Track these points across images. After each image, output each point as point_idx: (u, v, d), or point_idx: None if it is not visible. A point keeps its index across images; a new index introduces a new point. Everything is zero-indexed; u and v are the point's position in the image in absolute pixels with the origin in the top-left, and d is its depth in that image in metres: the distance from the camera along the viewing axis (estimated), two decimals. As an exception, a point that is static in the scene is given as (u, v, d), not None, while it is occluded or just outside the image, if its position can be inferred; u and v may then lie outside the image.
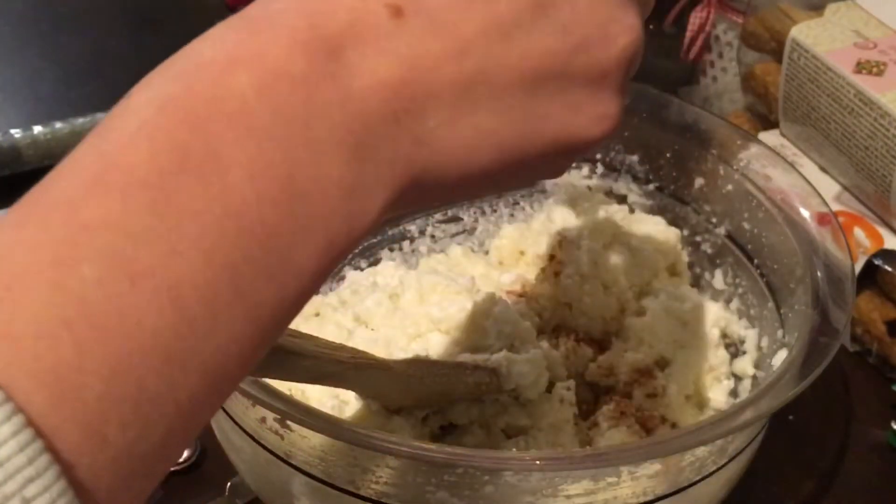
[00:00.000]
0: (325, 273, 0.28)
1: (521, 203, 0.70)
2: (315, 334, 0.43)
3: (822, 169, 0.71)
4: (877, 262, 0.64)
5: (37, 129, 0.74)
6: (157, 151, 0.25)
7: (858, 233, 0.66)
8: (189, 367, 0.25)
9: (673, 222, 0.65)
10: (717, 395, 0.58)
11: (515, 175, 0.33)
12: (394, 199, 0.29)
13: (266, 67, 0.27)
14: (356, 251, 0.67)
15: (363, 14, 0.28)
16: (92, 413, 0.23)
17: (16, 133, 0.73)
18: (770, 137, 0.72)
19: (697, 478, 0.47)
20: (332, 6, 0.28)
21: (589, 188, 0.68)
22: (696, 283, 0.65)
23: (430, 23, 0.29)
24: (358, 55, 0.28)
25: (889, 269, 0.64)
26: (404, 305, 0.57)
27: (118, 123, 0.27)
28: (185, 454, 0.58)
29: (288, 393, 0.45)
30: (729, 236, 0.63)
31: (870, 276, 0.64)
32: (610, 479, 0.45)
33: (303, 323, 0.58)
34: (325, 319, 0.59)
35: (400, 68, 0.28)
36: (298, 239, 0.27)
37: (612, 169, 0.67)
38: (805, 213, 0.56)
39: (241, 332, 0.26)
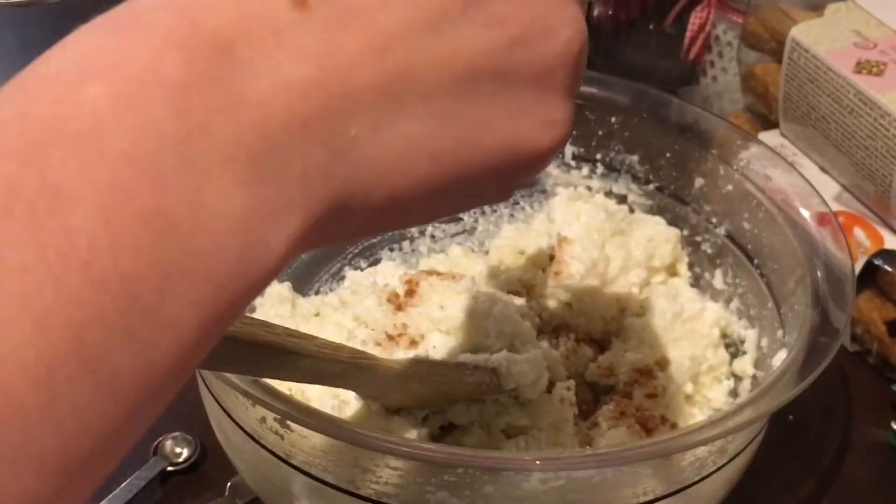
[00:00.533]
0: (217, 324, 0.23)
1: (521, 203, 0.70)
2: (315, 334, 0.43)
3: (822, 169, 0.71)
4: (877, 262, 0.64)
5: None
6: None
7: (858, 233, 0.66)
8: (18, 467, 0.20)
9: (673, 222, 0.65)
10: (717, 395, 0.58)
11: (455, 194, 0.28)
12: (309, 226, 0.24)
13: (128, 74, 0.22)
14: (356, 251, 0.67)
15: (258, 6, 0.23)
16: None
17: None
18: (770, 137, 0.72)
19: (697, 478, 0.47)
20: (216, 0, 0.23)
21: (589, 188, 0.68)
22: (696, 283, 0.65)
23: (341, 14, 0.24)
24: (253, 53, 0.23)
25: (889, 269, 0.64)
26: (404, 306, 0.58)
27: None
28: (185, 454, 0.58)
29: (288, 393, 0.45)
30: (729, 236, 0.63)
31: (870, 276, 0.64)
32: (610, 479, 0.45)
33: (303, 323, 0.58)
34: (325, 319, 0.59)
35: (308, 66, 0.23)
36: (170, 288, 0.21)
37: (612, 169, 0.67)
38: (805, 213, 0.56)
39: (97, 413, 0.21)
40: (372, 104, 0.25)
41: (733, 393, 0.59)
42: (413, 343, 0.55)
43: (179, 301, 0.22)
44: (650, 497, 0.46)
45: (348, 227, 0.26)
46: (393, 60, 0.25)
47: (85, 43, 0.22)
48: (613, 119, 0.66)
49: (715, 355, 0.59)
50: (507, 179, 0.30)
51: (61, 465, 0.21)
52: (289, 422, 0.44)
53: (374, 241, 0.68)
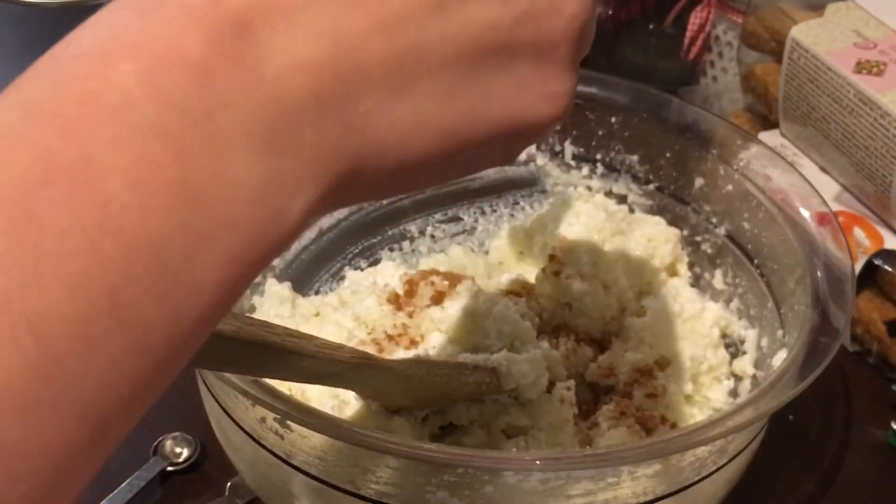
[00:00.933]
0: (237, 285, 0.25)
1: (521, 203, 0.70)
2: (315, 334, 0.43)
3: (822, 169, 0.71)
4: (877, 262, 0.64)
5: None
6: (17, 165, 0.22)
7: (858, 233, 0.66)
8: (61, 411, 0.21)
9: (673, 222, 0.65)
10: (717, 395, 0.58)
11: (461, 161, 0.30)
12: (323, 195, 0.26)
13: (155, 53, 0.23)
14: (356, 251, 0.67)
15: None
16: None
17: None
18: (770, 137, 0.72)
19: (697, 478, 0.47)
20: None
21: (589, 188, 0.68)
22: (696, 283, 0.65)
23: None
24: (270, 33, 0.24)
25: (889, 269, 0.64)
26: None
27: None
28: (185, 454, 0.58)
29: (288, 393, 0.45)
30: (729, 236, 0.63)
31: (870, 276, 0.64)
32: (610, 479, 0.45)
33: (303, 323, 0.58)
34: (325, 319, 0.59)
35: (321, 45, 0.25)
36: (196, 252, 0.23)
37: (612, 169, 0.67)
38: (805, 213, 0.56)
39: (130, 365, 0.23)
40: (382, 81, 0.26)
41: (733, 393, 0.59)
42: (413, 343, 0.55)
43: (204, 264, 0.23)
44: (650, 497, 0.46)
45: (362, 193, 0.28)
46: (402, 39, 0.26)
47: (113, 22, 0.24)
48: (613, 119, 0.66)
49: (715, 355, 0.59)
50: (511, 148, 0.31)
51: (99, 411, 0.22)
52: (289, 422, 0.44)
53: (374, 241, 0.68)
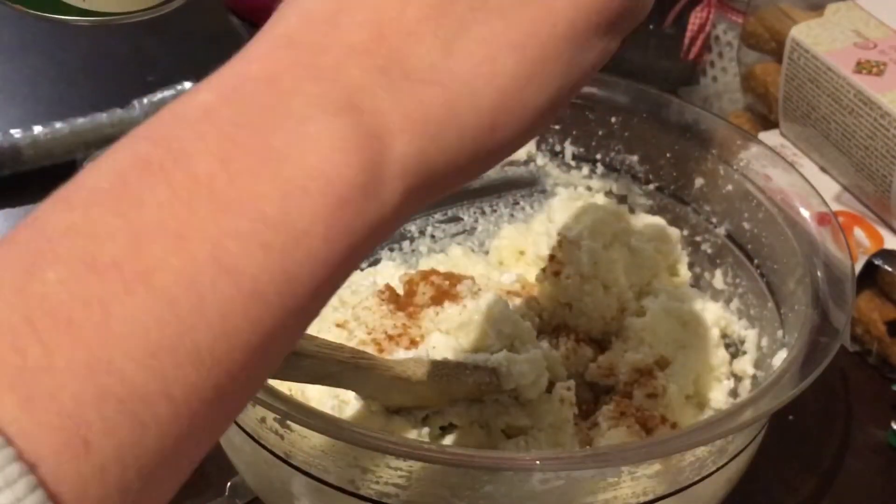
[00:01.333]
0: (349, 245, 0.26)
1: (521, 203, 0.70)
2: (315, 334, 0.43)
3: (822, 169, 0.71)
4: (877, 262, 0.64)
5: (37, 129, 0.74)
6: (119, 164, 0.25)
7: (858, 233, 0.66)
8: (180, 356, 0.23)
9: (673, 222, 0.65)
10: (717, 395, 0.58)
11: (558, 64, 0.29)
12: (416, 166, 0.27)
13: (229, 82, 0.27)
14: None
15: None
16: (69, 415, 0.21)
17: (16, 133, 0.73)
18: (770, 137, 0.72)
19: (697, 478, 0.47)
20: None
21: (589, 188, 0.68)
22: (696, 283, 0.65)
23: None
24: (322, 28, 0.27)
25: (889, 269, 0.63)
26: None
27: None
28: (185, 454, 0.58)
29: (288, 393, 0.45)
30: (729, 236, 0.63)
31: (870, 276, 0.64)
32: (610, 479, 0.45)
33: (303, 323, 0.58)
34: (324, 319, 0.58)
35: (366, 31, 0.27)
36: (293, 203, 0.25)
37: (612, 169, 0.67)
38: (805, 213, 0.56)
39: (243, 315, 0.24)
40: (432, 31, 0.27)
41: (733, 393, 0.59)
42: (413, 343, 0.55)
43: (303, 212, 0.25)
44: (650, 497, 0.46)
45: (458, 154, 0.28)
46: None
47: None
48: (613, 119, 0.66)
49: (715, 355, 0.59)
50: (602, 31, 0.30)
51: (215, 361, 0.23)
52: (289, 422, 0.44)
53: (374, 241, 0.68)
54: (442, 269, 0.61)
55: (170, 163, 0.24)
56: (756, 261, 0.61)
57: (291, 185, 0.25)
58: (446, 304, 0.56)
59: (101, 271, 0.23)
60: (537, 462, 0.43)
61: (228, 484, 0.56)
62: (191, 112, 0.26)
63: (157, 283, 0.23)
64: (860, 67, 0.65)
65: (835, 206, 0.67)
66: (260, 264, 0.24)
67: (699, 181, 0.64)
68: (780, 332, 0.56)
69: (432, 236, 0.69)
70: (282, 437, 0.45)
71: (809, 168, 0.71)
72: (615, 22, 0.31)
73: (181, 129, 0.25)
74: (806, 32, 0.69)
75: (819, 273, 0.53)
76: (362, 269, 0.66)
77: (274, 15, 0.28)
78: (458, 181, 0.29)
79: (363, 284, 0.62)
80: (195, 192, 0.24)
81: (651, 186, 0.66)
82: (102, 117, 0.75)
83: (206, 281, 0.23)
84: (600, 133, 0.66)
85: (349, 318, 0.57)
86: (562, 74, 0.30)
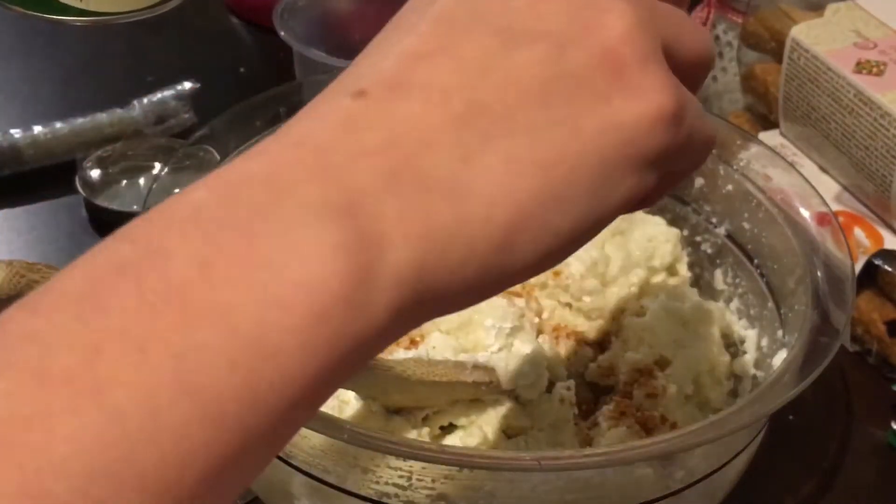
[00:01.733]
0: (329, 369, 0.24)
1: (521, 203, 0.70)
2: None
3: (822, 169, 0.71)
4: (877, 262, 0.64)
5: (37, 129, 0.74)
6: (93, 267, 0.23)
7: (858, 233, 0.66)
8: (123, 483, 0.21)
9: (673, 222, 0.65)
10: (717, 395, 0.58)
11: (582, 193, 0.28)
12: (411, 281, 0.25)
13: (224, 179, 0.25)
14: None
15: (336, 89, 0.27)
16: None
17: (16, 133, 0.73)
18: (770, 137, 0.72)
19: (697, 478, 0.47)
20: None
21: (589, 188, 0.68)
22: (696, 283, 0.64)
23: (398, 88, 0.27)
24: (331, 140, 0.26)
25: (889, 269, 0.63)
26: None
27: None
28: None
29: (288, 393, 0.45)
30: (729, 236, 0.63)
31: (870, 276, 0.64)
32: (610, 479, 0.45)
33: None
34: (325, 319, 0.58)
35: (378, 136, 0.26)
36: (268, 318, 0.23)
37: (612, 169, 0.67)
38: (805, 213, 0.56)
39: (201, 441, 0.22)
40: (451, 141, 0.26)
41: (733, 393, 0.59)
42: (413, 343, 0.55)
43: (278, 327, 0.23)
44: (650, 497, 0.46)
45: (458, 269, 0.26)
46: (456, 102, 0.26)
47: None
48: (613, 119, 0.65)
49: (715, 355, 0.59)
50: (631, 172, 0.29)
51: (163, 489, 0.21)
52: (289, 422, 0.44)
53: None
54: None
55: (146, 265, 0.23)
56: (756, 261, 0.61)
57: (269, 297, 0.23)
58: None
59: (52, 384, 0.21)
60: (537, 462, 0.43)
61: (228, 484, 0.56)
62: (180, 209, 0.24)
63: (107, 401, 0.21)
64: (860, 67, 0.65)
65: (835, 206, 0.67)
66: (225, 382, 0.22)
67: (699, 181, 0.64)
68: (780, 332, 0.56)
69: (432, 236, 0.69)
70: (282, 437, 0.45)
71: (809, 168, 0.71)
72: (653, 159, 0.29)
73: (166, 228, 0.24)
74: (806, 32, 0.69)
75: (819, 273, 0.53)
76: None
77: (293, 118, 0.27)
78: (465, 301, 0.28)
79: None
80: (166, 298, 0.22)
81: (651, 186, 0.66)
82: (102, 117, 0.75)
83: (162, 398, 0.21)
84: (600, 133, 0.66)
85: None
86: (588, 201, 0.28)
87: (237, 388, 0.22)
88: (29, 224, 0.72)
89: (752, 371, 0.59)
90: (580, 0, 0.28)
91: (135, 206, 0.70)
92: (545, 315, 0.61)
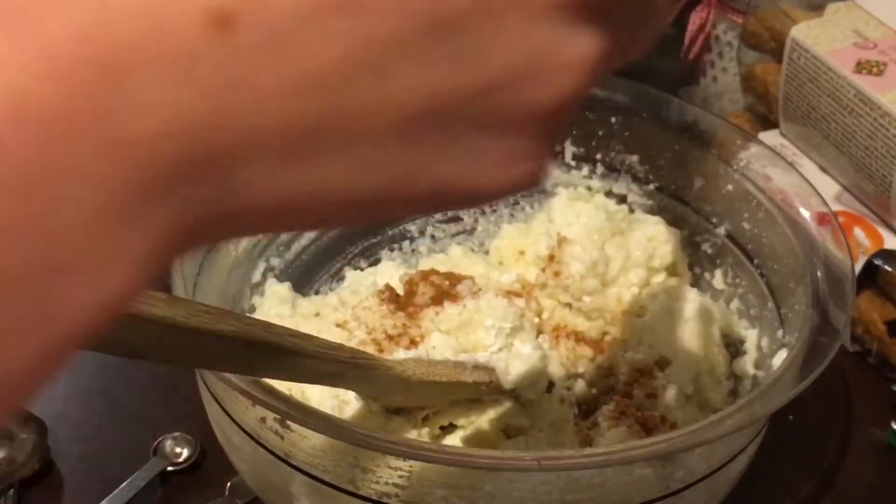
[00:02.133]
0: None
1: (521, 203, 0.70)
2: (315, 334, 0.43)
3: (822, 169, 0.71)
4: (877, 262, 0.64)
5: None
6: None
7: (858, 233, 0.66)
8: None
9: (673, 222, 0.65)
10: (717, 395, 0.58)
11: (359, 220, 0.24)
12: (169, 249, 0.21)
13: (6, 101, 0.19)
14: (356, 251, 0.67)
15: (170, 23, 0.19)
16: None
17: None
18: (770, 137, 0.72)
19: (697, 478, 0.47)
20: (122, 5, 0.19)
21: (589, 188, 0.68)
22: (696, 283, 0.65)
23: (269, 42, 0.20)
24: (149, 83, 0.19)
25: (889, 269, 0.64)
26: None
27: None
28: (185, 454, 0.58)
29: (288, 393, 0.45)
30: (729, 236, 0.63)
31: (870, 276, 0.64)
32: (610, 479, 0.45)
33: (303, 323, 0.58)
34: (324, 319, 0.59)
35: (207, 104, 0.20)
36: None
37: (612, 169, 0.67)
38: (805, 213, 0.56)
39: None
40: (276, 150, 0.21)
41: (733, 393, 0.59)
42: (413, 343, 0.55)
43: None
44: (650, 497, 0.46)
45: (223, 234, 0.23)
46: (315, 102, 0.21)
47: None
48: (613, 119, 0.66)
49: (715, 355, 0.59)
50: (449, 207, 0.26)
51: None
52: (289, 422, 0.44)
53: (374, 241, 0.68)
54: (442, 269, 0.61)
55: None
56: (756, 261, 0.61)
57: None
58: (446, 304, 0.56)
59: None
60: (537, 462, 0.43)
61: (228, 484, 0.56)
62: None
63: None
64: (860, 67, 0.65)
65: (835, 206, 0.67)
66: None
67: (699, 181, 0.64)
68: (780, 332, 0.56)
69: (432, 236, 0.69)
70: (282, 437, 0.45)
71: (809, 168, 0.71)
72: (472, 206, 0.25)
73: None
74: (806, 32, 0.69)
75: (819, 273, 0.53)
76: (362, 269, 0.66)
77: None
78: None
79: (363, 284, 0.62)
80: None
81: (651, 186, 0.66)
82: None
83: None
84: (600, 133, 0.66)
85: (349, 318, 0.57)
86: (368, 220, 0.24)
87: None
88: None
89: (752, 371, 0.59)
90: (549, 38, 0.22)
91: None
92: (545, 315, 0.61)
